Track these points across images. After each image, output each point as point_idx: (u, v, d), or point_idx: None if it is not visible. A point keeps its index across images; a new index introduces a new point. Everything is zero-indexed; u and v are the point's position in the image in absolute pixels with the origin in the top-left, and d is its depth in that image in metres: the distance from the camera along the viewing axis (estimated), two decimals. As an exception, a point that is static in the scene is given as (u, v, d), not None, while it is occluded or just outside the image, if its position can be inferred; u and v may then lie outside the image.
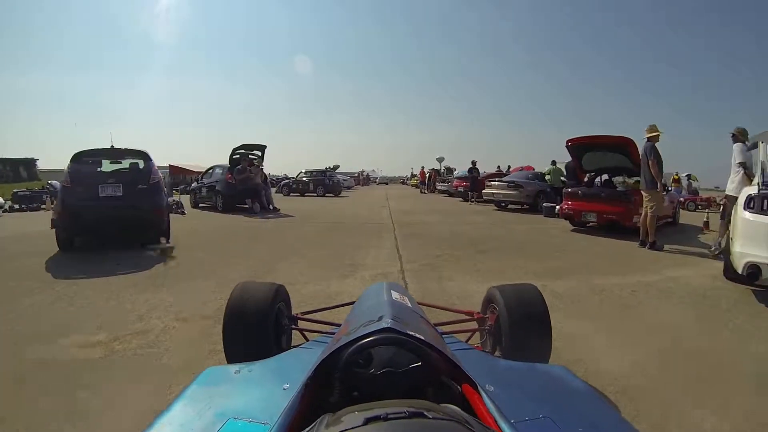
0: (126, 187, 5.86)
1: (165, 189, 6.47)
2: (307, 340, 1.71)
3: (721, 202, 17.82)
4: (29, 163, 45.21)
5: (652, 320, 3.20)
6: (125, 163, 6.42)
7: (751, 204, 3.72)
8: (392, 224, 8.65)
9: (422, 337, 0.76)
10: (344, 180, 30.59)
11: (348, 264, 4.65)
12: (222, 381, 0.88)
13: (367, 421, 0.46)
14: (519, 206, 13.04)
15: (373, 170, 57.22)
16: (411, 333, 0.76)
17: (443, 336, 1.21)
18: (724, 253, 4.44)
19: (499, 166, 20.30)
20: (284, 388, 0.79)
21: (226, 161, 11.69)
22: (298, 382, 0.74)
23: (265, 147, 12.09)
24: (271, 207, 11.62)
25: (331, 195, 20.50)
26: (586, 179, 10.89)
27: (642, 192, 6.82)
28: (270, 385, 0.84)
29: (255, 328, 1.65)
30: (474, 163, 15.58)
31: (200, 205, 13.00)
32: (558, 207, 11.35)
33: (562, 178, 13.60)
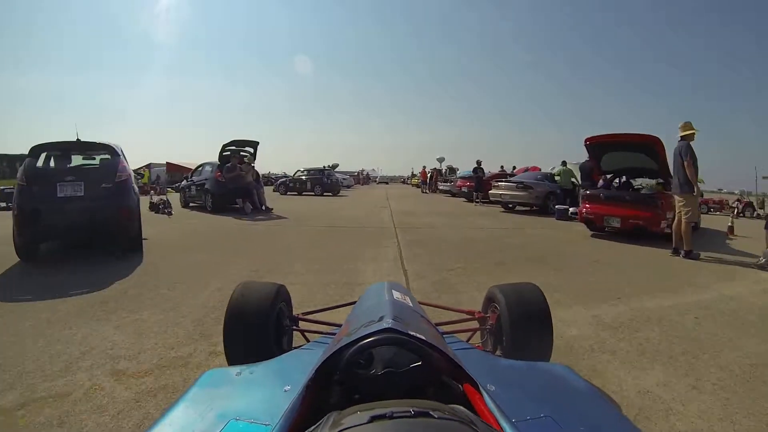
0: (88, 186, 5.06)
1: (136, 187, 5.68)
2: (308, 340, 1.72)
3: (734, 205, 17.09)
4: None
5: (746, 364, 2.42)
6: (90, 159, 5.63)
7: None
8: (394, 228, 7.86)
9: (423, 337, 0.76)
10: (344, 179, 29.87)
11: (343, 283, 3.84)
12: (223, 383, 0.87)
13: (373, 419, 0.47)
14: (527, 208, 12.29)
15: (374, 169, 56.54)
16: (412, 333, 0.76)
17: (444, 336, 1.21)
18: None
19: (502, 166, 19.58)
20: (285, 390, 0.77)
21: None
22: (299, 383, 0.75)
23: (257, 143, 11.31)
24: (263, 207, 10.84)
25: (329, 194, 19.74)
26: (601, 181, 10.17)
27: (675, 196, 6.08)
28: (271, 387, 0.83)
29: (256, 328, 1.62)
30: (479, 162, 14.80)
31: (190, 204, 12.23)
32: (571, 209, 10.66)
33: (573, 180, 12.87)
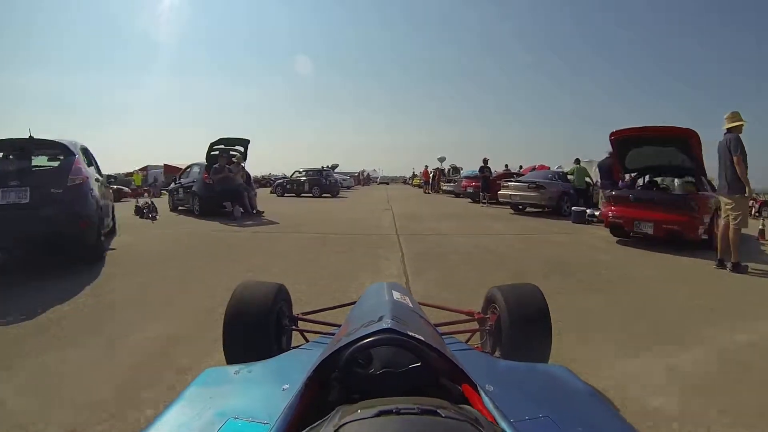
0: (35, 192, 4.26)
1: (94, 192, 4.86)
2: (307, 340, 1.71)
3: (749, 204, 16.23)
4: None
5: None
6: (39, 160, 4.82)
7: None
8: (397, 236, 7.02)
9: (422, 338, 0.76)
10: (343, 180, 29.09)
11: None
12: (221, 382, 0.87)
13: (380, 413, 0.47)
14: (538, 210, 11.44)
15: (374, 170, 55.70)
16: (411, 333, 0.76)
17: (443, 336, 1.20)
18: None
19: (507, 165, 18.74)
20: (284, 389, 0.77)
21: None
22: (297, 382, 0.75)
23: (247, 141, 10.48)
24: (254, 211, 10.02)
25: (328, 196, 18.91)
26: (623, 180, 9.31)
27: (722, 198, 5.26)
28: (270, 386, 0.83)
29: (255, 328, 1.61)
30: (486, 161, 13.92)
31: (179, 208, 11.43)
32: (588, 211, 9.82)
33: (587, 179, 12.05)
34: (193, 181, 10.46)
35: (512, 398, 0.75)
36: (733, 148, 4.99)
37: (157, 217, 9.84)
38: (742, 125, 5.17)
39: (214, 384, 0.85)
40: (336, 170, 27.30)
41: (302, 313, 2.07)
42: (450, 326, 1.91)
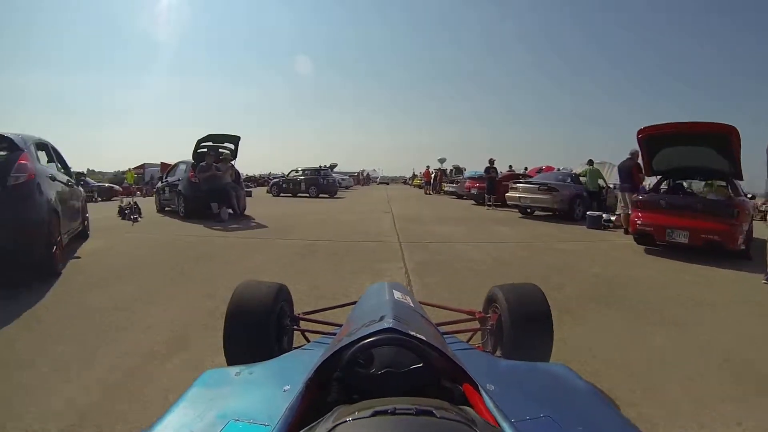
0: (-34, 192, 3.53)
1: (46, 193, 4.12)
2: (309, 340, 1.71)
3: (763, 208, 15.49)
4: None
5: None
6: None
7: None
8: (398, 242, 6.28)
9: (423, 337, 0.76)
10: (342, 179, 28.39)
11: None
12: (222, 383, 0.86)
13: (376, 414, 0.47)
14: (547, 213, 10.71)
15: (374, 170, 54.98)
16: (412, 333, 0.75)
17: (444, 336, 1.19)
18: None
19: (511, 166, 18.02)
20: (285, 390, 0.77)
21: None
22: (298, 383, 0.74)
23: (238, 138, 9.74)
24: (240, 213, 9.23)
25: (325, 196, 18.18)
26: (646, 183, 8.59)
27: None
28: (270, 387, 0.82)
29: (256, 328, 1.59)
30: (492, 161, 13.17)
31: (166, 208, 10.68)
32: (605, 216, 9.09)
33: (600, 181, 11.33)
34: (179, 180, 9.72)
35: (513, 398, 0.75)
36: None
37: (139, 219, 9.12)
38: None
39: (215, 386, 0.84)
40: (335, 170, 26.52)
41: (303, 313, 2.04)
42: (451, 326, 1.91)
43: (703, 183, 7.17)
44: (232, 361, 1.59)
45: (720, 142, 5.71)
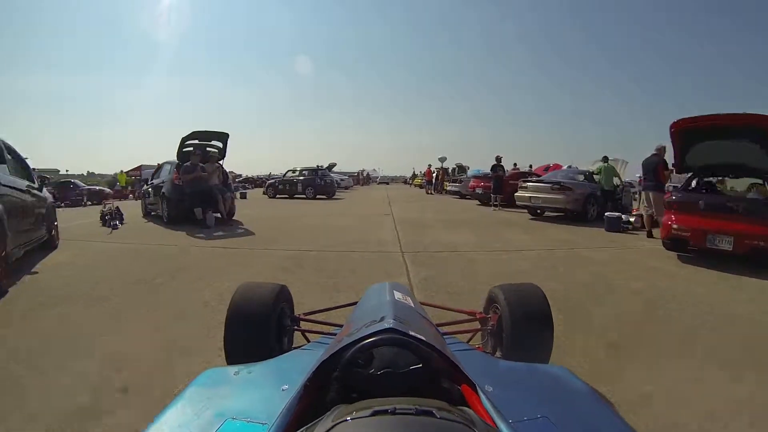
0: None
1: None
2: (309, 341, 1.70)
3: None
4: None
5: None
6: None
7: None
8: (401, 252, 5.56)
9: (424, 338, 0.76)
10: (342, 180, 27.66)
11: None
12: (221, 382, 0.86)
13: (375, 413, 0.47)
14: (557, 214, 10.00)
15: (374, 170, 54.22)
16: (412, 333, 0.75)
17: (445, 336, 1.20)
18: None
19: (516, 164, 17.28)
20: (283, 389, 0.76)
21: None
22: (297, 383, 0.74)
23: (226, 136, 9.02)
24: (225, 217, 8.47)
25: (323, 197, 17.46)
26: (670, 183, 7.83)
27: None
28: (269, 386, 0.82)
29: (257, 328, 1.58)
30: (499, 159, 12.41)
31: (152, 213, 9.97)
32: (624, 217, 8.37)
33: (616, 179, 10.61)
34: (163, 182, 9.00)
35: (511, 398, 0.75)
36: None
37: (118, 225, 8.42)
38: None
39: (214, 384, 0.84)
40: (334, 170, 25.75)
41: (304, 314, 2.03)
42: (451, 326, 1.92)
43: (734, 181, 6.45)
44: (232, 360, 1.57)
45: (762, 136, 5.00)
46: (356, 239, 6.53)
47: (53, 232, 6.19)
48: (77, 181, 20.92)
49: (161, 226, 8.31)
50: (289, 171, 18.75)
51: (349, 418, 0.46)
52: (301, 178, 17.81)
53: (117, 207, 9.57)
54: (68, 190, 19.01)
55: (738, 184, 6.55)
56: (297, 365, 0.87)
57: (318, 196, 17.37)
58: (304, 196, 17.40)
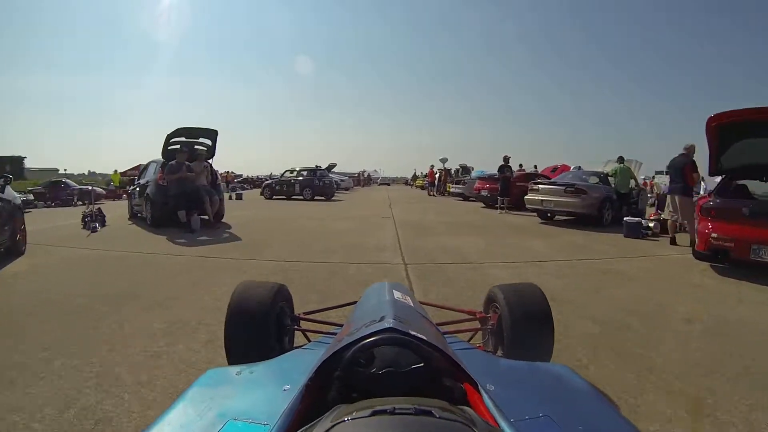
0: None
1: None
2: (309, 340, 1.71)
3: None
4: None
5: None
6: None
7: None
8: (403, 264, 4.93)
9: (424, 337, 0.75)
10: (341, 180, 27.01)
11: None
12: (223, 382, 0.86)
13: (374, 413, 0.47)
14: (568, 218, 9.39)
15: (375, 170, 53.50)
16: (413, 333, 0.75)
17: (445, 335, 1.18)
18: None
19: (521, 165, 16.64)
20: (285, 389, 0.76)
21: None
22: (298, 383, 0.74)
23: (215, 133, 8.41)
24: (212, 220, 7.82)
25: (321, 198, 16.83)
26: (703, 183, 7.20)
27: None
28: (271, 387, 0.82)
29: (257, 328, 1.59)
30: (506, 159, 11.75)
31: (139, 215, 9.34)
32: (643, 222, 7.74)
33: (633, 181, 9.99)
34: (148, 182, 8.37)
35: (513, 397, 0.75)
36: None
37: (98, 228, 7.80)
38: None
39: (216, 385, 0.84)
40: (335, 170, 25.07)
41: (304, 313, 2.02)
42: (452, 325, 1.91)
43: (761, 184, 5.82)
44: (233, 360, 1.57)
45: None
46: (353, 247, 5.87)
47: (18, 237, 5.59)
48: (68, 181, 20.32)
49: (144, 230, 7.70)
50: (286, 171, 18.11)
51: (348, 419, 0.46)
52: (299, 178, 17.19)
53: (99, 208, 8.97)
54: (59, 190, 18.47)
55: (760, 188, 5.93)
56: (298, 365, 0.87)
57: (316, 198, 16.75)
58: (301, 197, 16.77)
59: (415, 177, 36.57)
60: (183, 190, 7.45)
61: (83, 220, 8.26)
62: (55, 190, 18.39)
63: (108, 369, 2.19)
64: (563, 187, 8.79)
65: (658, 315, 3.30)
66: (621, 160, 9.83)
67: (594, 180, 9.56)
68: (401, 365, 0.71)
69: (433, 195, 21.67)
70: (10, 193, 5.76)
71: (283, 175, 18.14)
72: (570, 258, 5.48)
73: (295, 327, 1.85)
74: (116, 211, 11.02)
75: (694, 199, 6.54)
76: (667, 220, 7.21)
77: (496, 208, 12.02)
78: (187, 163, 7.71)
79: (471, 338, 1.80)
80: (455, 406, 0.54)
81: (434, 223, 9.14)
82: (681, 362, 2.40)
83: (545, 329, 1.62)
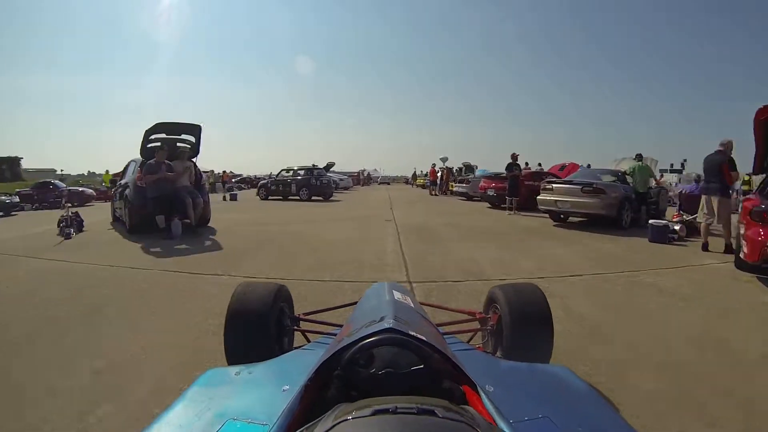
0: None
1: None
2: (309, 341, 1.69)
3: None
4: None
5: None
6: None
7: None
8: (408, 282, 4.22)
9: (424, 338, 0.75)
10: (340, 180, 26.31)
11: None
12: (222, 382, 0.85)
13: (376, 412, 0.46)
14: (583, 219, 8.68)
15: (375, 170, 52.72)
16: (412, 333, 0.74)
17: (445, 336, 1.17)
18: None
19: (527, 163, 15.93)
20: (284, 390, 0.76)
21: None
22: (298, 383, 0.73)
23: (199, 129, 7.68)
24: (194, 225, 7.06)
25: (319, 199, 16.12)
26: (739, 183, 6.46)
27: None
28: (270, 387, 0.82)
29: (256, 328, 1.58)
30: (515, 157, 11.01)
31: (120, 218, 8.64)
32: (669, 225, 7.03)
33: (653, 180, 9.27)
34: (128, 184, 7.66)
35: (512, 398, 0.74)
36: None
37: (72, 234, 7.13)
38: None
39: (215, 385, 0.83)
40: (334, 169, 24.33)
41: (304, 314, 2.01)
42: (452, 326, 1.90)
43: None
44: (232, 361, 1.56)
45: None
46: (348, 260, 5.10)
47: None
48: (57, 182, 19.64)
49: (121, 236, 7.00)
50: (282, 170, 17.39)
51: (349, 417, 0.46)
52: (296, 178, 16.46)
53: (76, 213, 8.28)
54: (47, 192, 17.76)
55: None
56: (298, 365, 0.87)
57: (314, 198, 16.05)
58: (298, 197, 16.06)
59: (415, 176, 35.82)
60: (162, 193, 6.74)
61: (59, 225, 7.60)
62: (43, 191, 17.69)
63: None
64: (580, 187, 8.05)
65: (722, 358, 2.56)
66: (639, 157, 9.11)
67: (610, 179, 8.84)
68: (401, 366, 0.70)
69: (435, 194, 20.94)
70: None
71: (279, 174, 17.43)
72: (600, 269, 4.75)
73: (295, 327, 1.86)
74: (103, 214, 10.35)
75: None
76: (701, 222, 6.50)
77: (504, 209, 11.30)
78: (167, 162, 6.99)
79: (471, 339, 1.80)
80: (456, 405, 0.54)
81: (440, 226, 8.42)
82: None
83: (545, 330, 1.62)
